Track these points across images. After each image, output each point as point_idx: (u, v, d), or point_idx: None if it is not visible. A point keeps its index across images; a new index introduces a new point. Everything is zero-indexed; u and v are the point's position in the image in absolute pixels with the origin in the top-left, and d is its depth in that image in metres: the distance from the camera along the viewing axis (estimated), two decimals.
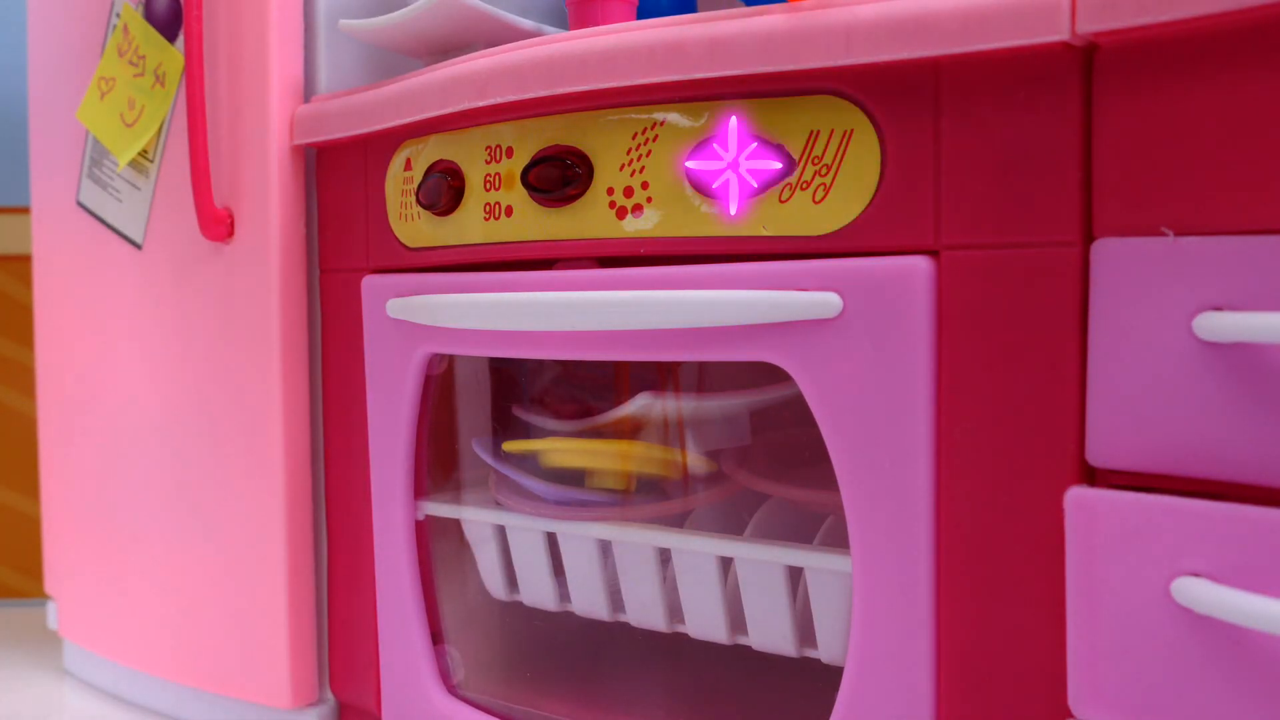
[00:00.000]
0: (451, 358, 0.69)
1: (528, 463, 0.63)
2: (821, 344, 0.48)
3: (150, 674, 0.87)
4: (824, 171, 0.49)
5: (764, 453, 0.64)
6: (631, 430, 0.62)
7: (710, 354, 0.51)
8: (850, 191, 0.49)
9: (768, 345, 0.50)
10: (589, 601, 0.62)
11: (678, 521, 0.62)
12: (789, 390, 0.66)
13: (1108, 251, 0.43)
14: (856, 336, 0.48)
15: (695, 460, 0.61)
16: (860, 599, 0.49)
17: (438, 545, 0.71)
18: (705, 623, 0.58)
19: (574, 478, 0.62)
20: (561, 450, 0.60)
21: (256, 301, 0.73)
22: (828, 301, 0.48)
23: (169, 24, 0.81)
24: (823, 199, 0.49)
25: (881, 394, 0.47)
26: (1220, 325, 0.40)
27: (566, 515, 0.60)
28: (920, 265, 0.46)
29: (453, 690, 0.67)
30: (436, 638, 0.69)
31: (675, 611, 0.60)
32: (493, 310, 0.55)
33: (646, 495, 0.62)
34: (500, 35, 0.67)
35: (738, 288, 0.50)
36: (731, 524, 0.64)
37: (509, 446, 0.62)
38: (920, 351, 0.47)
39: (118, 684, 0.92)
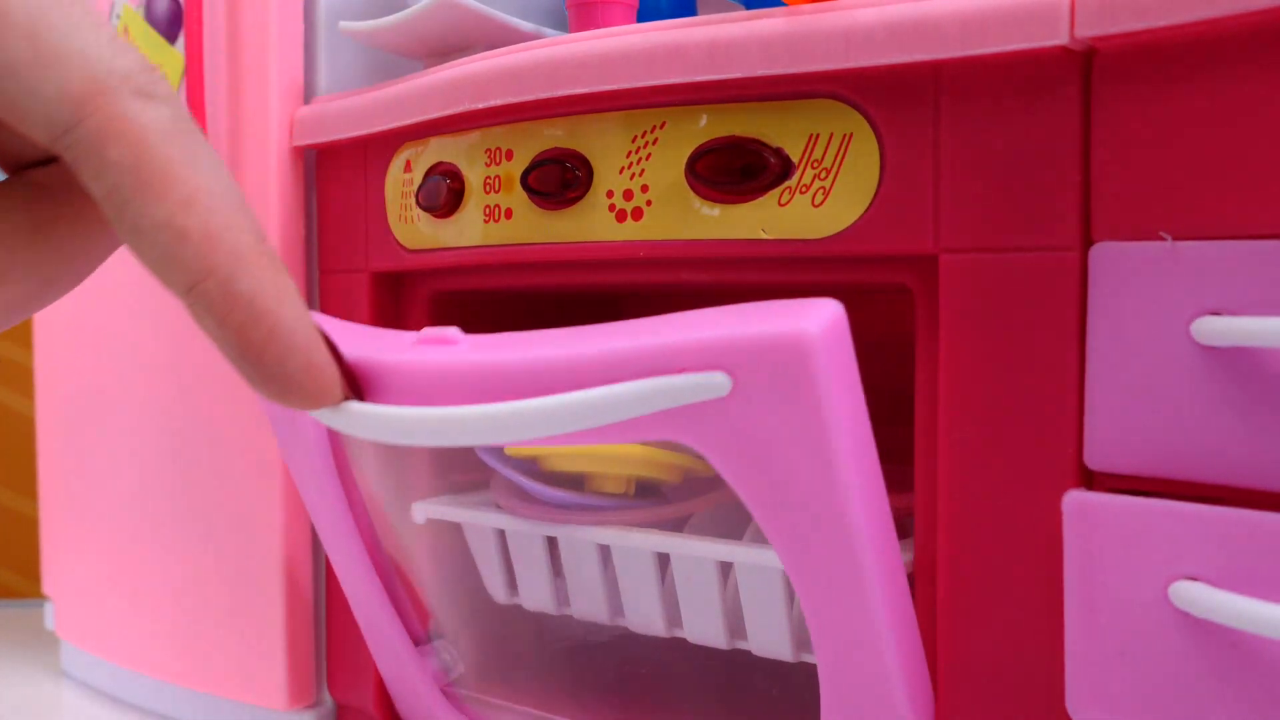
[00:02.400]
0: None
1: (526, 465, 0.63)
2: (717, 421, 0.44)
3: (147, 675, 0.87)
4: (823, 175, 0.49)
5: None
6: None
7: (611, 437, 0.44)
8: (849, 195, 0.49)
9: (667, 428, 0.44)
10: (588, 605, 0.62)
11: (676, 526, 0.62)
12: None
13: (1106, 255, 0.43)
14: (751, 410, 0.43)
15: (695, 465, 0.61)
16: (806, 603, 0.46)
17: (436, 545, 0.71)
18: (704, 627, 0.58)
19: (573, 481, 0.62)
20: (563, 455, 0.60)
21: None
22: (715, 383, 0.42)
23: (169, 25, 0.81)
24: (822, 202, 0.49)
25: (788, 453, 0.44)
26: (1218, 329, 0.40)
27: (566, 519, 0.60)
28: (810, 332, 0.41)
29: (451, 691, 0.67)
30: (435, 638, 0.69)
31: (674, 616, 0.60)
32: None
33: (646, 499, 0.61)
34: (500, 37, 0.67)
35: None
36: (730, 529, 0.64)
37: (512, 450, 0.61)
38: (818, 416, 0.42)
39: (115, 685, 0.92)
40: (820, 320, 0.41)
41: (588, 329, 0.42)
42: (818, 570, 0.46)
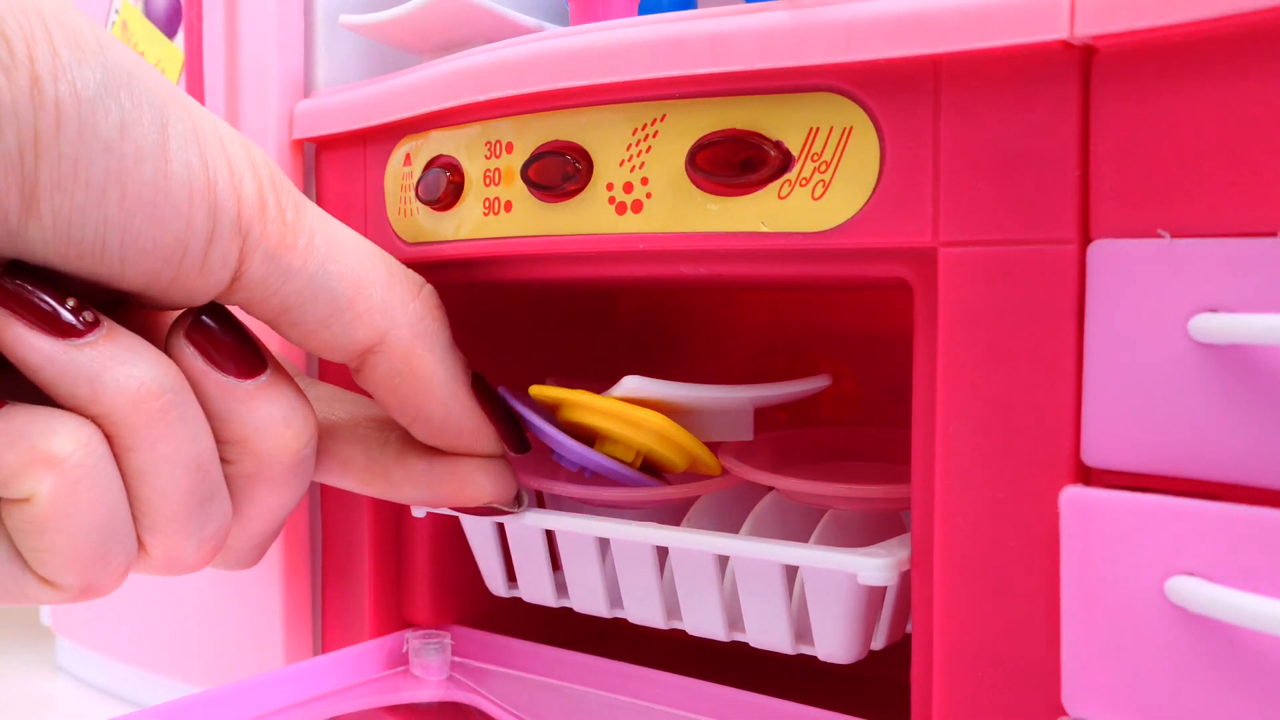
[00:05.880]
0: None
1: (548, 411, 0.61)
2: None
3: (144, 671, 0.87)
4: (823, 168, 0.49)
5: (766, 448, 0.64)
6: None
7: None
8: (849, 188, 0.49)
9: None
10: (586, 598, 0.62)
11: (679, 511, 0.62)
12: (792, 388, 0.66)
13: (1104, 253, 0.43)
14: None
15: (702, 454, 0.61)
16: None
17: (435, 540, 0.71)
18: (702, 620, 0.58)
19: (585, 439, 0.60)
20: (584, 406, 0.58)
21: None
22: None
23: (169, 20, 0.81)
24: (821, 195, 0.49)
25: None
26: (1216, 327, 0.40)
27: (564, 492, 0.60)
28: None
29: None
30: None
31: (673, 609, 0.60)
32: None
33: (650, 478, 0.61)
34: (501, 31, 0.67)
35: None
36: (731, 518, 0.64)
37: (535, 391, 0.59)
38: None
39: (111, 681, 0.92)
40: None
41: None
42: None
